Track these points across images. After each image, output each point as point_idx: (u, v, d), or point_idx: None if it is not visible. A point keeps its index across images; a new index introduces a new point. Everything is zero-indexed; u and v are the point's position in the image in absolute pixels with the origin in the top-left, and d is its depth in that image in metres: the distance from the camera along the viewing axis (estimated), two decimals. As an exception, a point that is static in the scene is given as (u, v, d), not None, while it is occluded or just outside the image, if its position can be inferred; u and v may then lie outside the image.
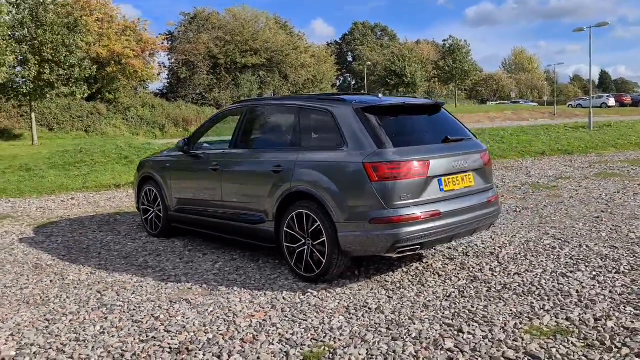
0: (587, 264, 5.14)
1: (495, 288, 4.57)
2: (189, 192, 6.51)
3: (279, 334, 3.74)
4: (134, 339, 3.75)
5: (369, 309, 4.19)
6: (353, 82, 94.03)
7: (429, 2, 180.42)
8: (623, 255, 5.35)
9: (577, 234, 6.37)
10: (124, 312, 4.34)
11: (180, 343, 3.65)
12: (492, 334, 3.58)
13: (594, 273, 4.84)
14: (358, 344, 3.52)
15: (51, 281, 5.31)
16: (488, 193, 5.25)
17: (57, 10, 22.66)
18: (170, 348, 3.57)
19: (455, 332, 3.64)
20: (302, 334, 3.73)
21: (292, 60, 46.91)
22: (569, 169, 12.87)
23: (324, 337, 3.65)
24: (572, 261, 5.25)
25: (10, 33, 20.60)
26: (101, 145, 20.00)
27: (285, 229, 5.13)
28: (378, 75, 62.43)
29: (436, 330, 3.68)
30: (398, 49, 65.14)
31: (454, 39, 65.23)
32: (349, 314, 4.10)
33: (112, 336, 3.82)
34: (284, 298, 4.53)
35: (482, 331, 3.64)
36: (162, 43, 38.51)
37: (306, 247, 4.94)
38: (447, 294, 4.48)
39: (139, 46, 33.07)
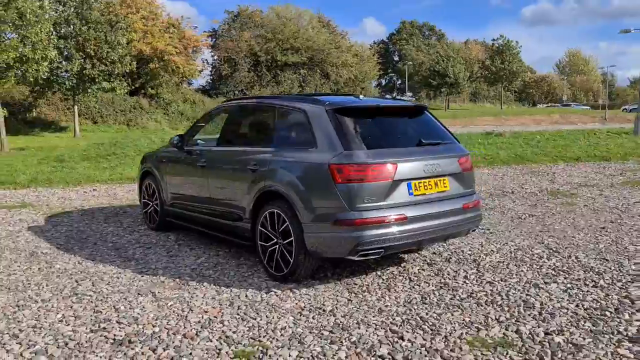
0: (567, 275, 4.95)
1: (460, 296, 4.47)
2: (181, 188, 6.66)
3: (222, 331, 3.78)
4: (86, 329, 3.87)
5: (323, 310, 4.18)
6: (399, 82, 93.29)
7: (485, 1, 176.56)
8: (609, 269, 5.12)
9: (573, 244, 6.13)
10: (90, 302, 4.48)
11: (125, 335, 3.74)
12: (432, 343, 3.51)
13: (569, 285, 4.66)
14: (294, 345, 3.52)
15: (39, 269, 5.53)
16: (465, 199, 5.12)
17: (100, 8, 23.49)
18: (114, 339, 3.67)
19: (396, 339, 3.58)
20: (244, 332, 3.76)
21: (333, 59, 46.99)
22: (598, 176, 12.36)
23: (263, 337, 3.66)
24: (553, 272, 5.06)
25: (53, 30, 21.49)
26: (136, 139, 20.61)
27: (259, 227, 5.17)
28: (421, 75, 61.73)
29: (378, 336, 3.64)
30: (443, 49, 64.11)
31: (504, 38, 63.71)
32: (301, 314, 4.10)
33: (68, 325, 3.96)
34: (246, 296, 4.57)
35: (424, 339, 3.57)
36: (205, 40, 39.25)
37: (277, 246, 4.97)
38: (409, 300, 4.41)
39: (181, 43, 33.91)
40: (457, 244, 6.19)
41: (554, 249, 5.89)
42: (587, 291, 4.50)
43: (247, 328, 3.83)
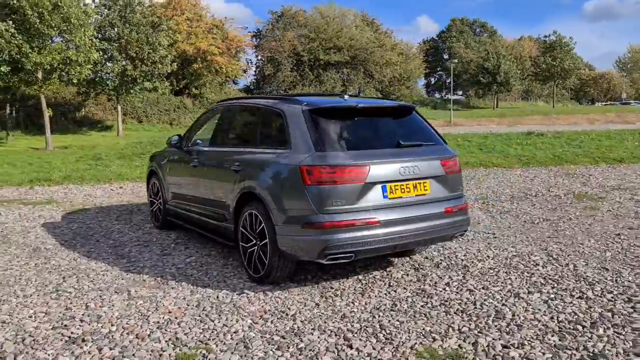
0: (555, 285, 4.67)
1: (432, 303, 4.30)
2: (179, 187, 6.73)
3: (175, 332, 3.78)
4: (49, 325, 3.95)
5: (286, 314, 4.11)
6: (448, 81, 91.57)
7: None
8: (605, 279, 4.80)
9: (577, 251, 5.79)
10: (68, 299, 4.58)
11: (82, 333, 3.80)
12: (380, 352, 3.38)
13: (553, 296, 4.39)
14: (239, 349, 3.47)
15: (35, 265, 5.72)
16: (449, 202, 4.92)
17: (142, 11, 24.19)
18: (69, 337, 3.73)
19: (344, 347, 3.47)
20: (196, 334, 3.74)
21: (377, 58, 46.60)
22: (638, 179, 11.69)
23: (212, 340, 3.63)
24: (542, 281, 4.79)
25: (98, 32, 22.33)
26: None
27: (241, 228, 5.15)
28: (470, 73, 60.31)
29: (328, 343, 3.54)
30: (493, 46, 62.40)
31: (557, 34, 61.37)
32: (261, 318, 4.04)
33: (35, 321, 4.05)
34: (217, 297, 4.55)
35: (373, 348, 3.45)
36: (249, 40, 39.79)
37: (256, 247, 4.94)
38: (378, 306, 4.27)
39: (224, 44, 34.47)
40: (453, 249, 5.98)
41: (554, 257, 5.58)
42: (570, 302, 4.23)
43: (201, 330, 3.81)
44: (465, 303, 4.29)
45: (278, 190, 4.61)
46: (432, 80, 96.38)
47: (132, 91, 24.55)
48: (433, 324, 3.85)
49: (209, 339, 3.65)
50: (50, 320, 4.06)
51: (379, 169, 4.50)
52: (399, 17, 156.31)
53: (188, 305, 4.36)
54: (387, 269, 5.32)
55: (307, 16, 47.28)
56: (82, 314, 4.17)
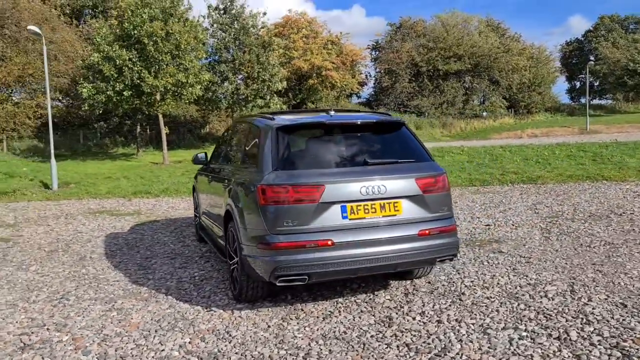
0: (542, 322, 4.05)
1: (385, 334, 3.96)
2: (202, 203, 6.99)
3: (109, 345, 3.92)
4: (17, 331, 4.32)
5: (228, 336, 4.06)
6: (597, 84, 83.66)
7: None
8: (610, 319, 4.05)
9: (610, 283, 4.97)
10: (63, 306, 4.96)
11: (37, 341, 4.09)
12: (274, 385, 3.19)
13: (526, 334, 3.81)
14: (148, 368, 3.50)
15: (68, 272, 6.27)
16: (425, 224, 4.50)
17: (256, 33, 25.58)
18: (24, 344, 4.04)
19: (246, 375, 3.34)
20: (125, 350, 3.84)
21: (502, 64, 44.10)
22: None
23: (134, 357, 3.71)
24: (532, 316, 4.18)
25: (215, 55, 24.05)
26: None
27: (227, 245, 5.21)
28: (615, 75, 54.48)
29: (236, 370, 3.43)
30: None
31: None
32: (202, 337, 4.04)
33: (14, 326, 4.46)
34: (184, 314, 4.63)
35: (272, 379, 3.26)
36: (366, 54, 40.04)
37: (236, 265, 4.96)
38: (327, 333, 4.05)
39: (339, 58, 35.08)
40: (466, 273, 5.47)
41: (574, 288, 4.84)
42: (540, 344, 3.63)
43: (134, 346, 3.91)
44: (420, 336, 3.89)
45: (243, 209, 4.60)
46: (577, 84, 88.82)
47: (244, 109, 26.03)
48: (362, 357, 3.55)
49: (130, 355, 3.73)
50: (27, 326, 4.44)
51: (337, 189, 4.28)
52: (547, 17, 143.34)
53: (151, 319, 4.49)
54: (376, 292, 5.02)
55: (426, 26, 46.37)
56: (56, 322, 4.49)
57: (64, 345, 3.97)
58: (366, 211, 4.33)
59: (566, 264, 5.72)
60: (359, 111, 6.07)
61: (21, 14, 24.50)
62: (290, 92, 34.20)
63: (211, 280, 5.70)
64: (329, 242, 4.18)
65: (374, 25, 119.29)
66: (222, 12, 25.98)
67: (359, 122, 4.82)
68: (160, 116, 22.24)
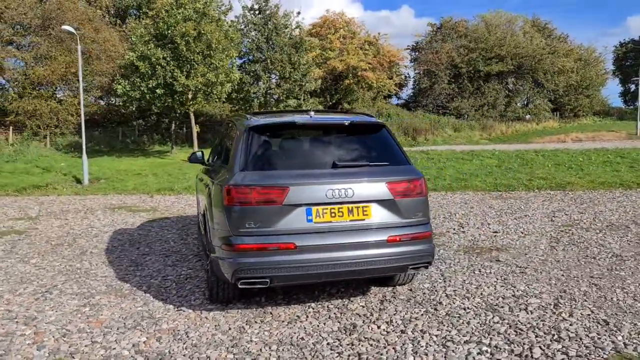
0: (510, 336, 3.83)
1: (341, 342, 3.84)
2: (198, 203, 7.01)
3: (65, 341, 3.95)
4: (-9, 322, 4.42)
5: (186, 337, 4.03)
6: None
7: None
8: (583, 336, 3.79)
9: (601, 298, 4.68)
10: (44, 300, 5.06)
11: (0, 334, 4.17)
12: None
13: (486, 349, 3.60)
14: (92, 366, 3.50)
15: (64, 267, 6.41)
16: (397, 230, 4.34)
17: (289, 32, 25.66)
18: (-11, 334, 4.12)
19: (183, 378, 3.29)
20: (80, 346, 3.86)
21: (547, 66, 42.63)
22: None
23: (85, 353, 3.72)
24: (503, 329, 3.96)
25: (249, 55, 24.26)
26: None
27: (204, 245, 5.19)
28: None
29: (176, 372, 3.39)
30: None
31: None
32: (159, 337, 4.02)
33: (-11, 317, 4.57)
34: (155, 311, 4.63)
35: (207, 384, 3.20)
36: (404, 54, 39.55)
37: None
38: (282, 339, 3.96)
39: (376, 59, 34.77)
40: (452, 281, 5.26)
41: (560, 302, 4.57)
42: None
43: (89, 343, 3.92)
44: (377, 346, 3.75)
45: (213, 209, 4.57)
46: (632, 87, 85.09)
47: (275, 108, 26.17)
48: (305, 366, 3.44)
49: (81, 352, 3.75)
50: (0, 318, 4.54)
51: (302, 191, 4.18)
52: (604, 19, 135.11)
53: (119, 316, 4.51)
54: (353, 298, 4.89)
55: (468, 26, 45.38)
56: (27, 316, 4.57)
57: (24, 339, 4.03)
58: (332, 215, 4.21)
59: (562, 275, 5.43)
60: (347, 112, 5.94)
61: (65, 14, 25.43)
62: (327, 93, 34.13)
63: (195, 279, 5.69)
64: (292, 245, 4.08)
65: (423, 25, 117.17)
66: (256, 12, 26.24)
67: (331, 124, 4.70)
68: (192, 114, 22.66)
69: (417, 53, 45.97)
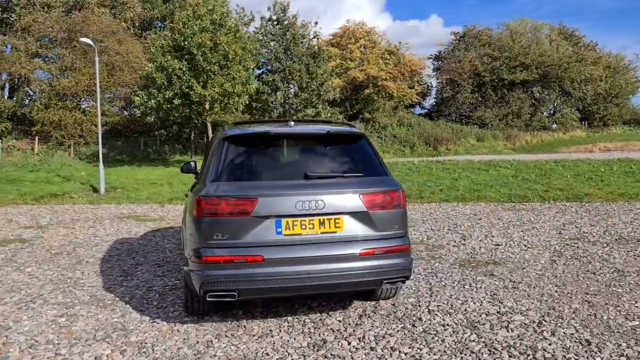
0: (481, 355, 3.65)
1: (305, 359, 3.72)
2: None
3: (30, 352, 3.93)
4: (-34, 331, 4.44)
5: (152, 350, 3.97)
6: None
7: None
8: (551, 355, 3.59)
9: (591, 316, 4.44)
10: (25, 310, 5.07)
11: (-27, 342, 4.18)
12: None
13: (452, 371, 3.44)
14: (48, 379, 3.46)
15: (56, 276, 6.44)
16: (371, 243, 4.21)
17: (307, 43, 25.74)
18: (-41, 344, 4.13)
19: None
20: (42, 358, 3.83)
21: (574, 74, 41.70)
22: None
23: (43, 365, 3.69)
24: (476, 348, 3.79)
25: (268, 65, 24.41)
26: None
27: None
28: None
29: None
30: None
31: None
32: (123, 351, 3.96)
33: (-33, 325, 4.59)
34: (128, 323, 4.59)
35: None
36: (426, 64, 39.22)
37: (188, 277, 4.87)
38: (246, 354, 3.86)
39: (397, 68, 34.58)
40: (438, 296, 5.08)
41: (545, 320, 4.36)
42: (460, 383, 3.26)
43: (52, 355, 3.89)
44: (339, 364, 3.61)
45: (187, 221, 4.53)
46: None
47: (295, 117, 26.28)
48: (260, 384, 3.33)
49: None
50: (-24, 327, 4.55)
51: (271, 202, 4.09)
52: (637, 27, 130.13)
53: (92, 328, 4.48)
54: (331, 312, 4.76)
55: (492, 34, 44.78)
56: (2, 325, 4.58)
57: (-9, 349, 4.03)
58: (303, 227, 4.11)
59: (556, 291, 5.20)
60: (330, 122, 5.84)
61: (90, 27, 26.04)
62: (347, 103, 34.08)
63: (179, 290, 5.63)
64: (260, 258, 3.99)
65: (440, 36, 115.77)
66: (274, 23, 26.44)
67: (306, 133, 4.62)
68: (209, 124, 22.88)
69: (439, 62, 45.58)
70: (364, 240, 4.21)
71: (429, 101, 47.05)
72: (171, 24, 22.86)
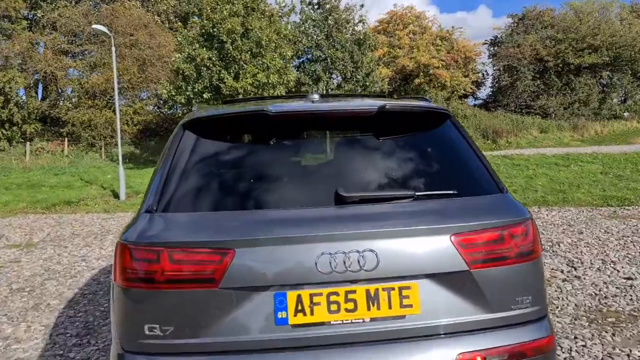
0: None
1: None
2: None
3: None
4: None
5: None
6: None
7: None
8: None
9: None
10: None
11: None
12: None
13: None
14: None
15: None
16: (476, 340, 1.89)
17: (352, 28, 23.42)
18: None
19: None
20: None
21: (649, 55, 37.49)
22: None
23: None
24: None
25: (309, 53, 22.26)
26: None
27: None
28: None
29: None
30: None
31: None
32: None
33: None
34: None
35: None
36: (481, 49, 36.05)
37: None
38: None
39: (449, 55, 31.71)
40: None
41: None
42: None
43: None
44: None
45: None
46: None
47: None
48: None
49: None
50: None
51: (264, 256, 1.87)
52: None
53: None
54: None
55: (555, 15, 40.87)
56: None
57: None
58: (332, 308, 1.83)
59: None
60: (382, 96, 3.43)
61: (119, 19, 24.57)
62: (395, 94, 31.52)
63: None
64: None
65: (501, 25, 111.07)
66: (315, 6, 24.14)
67: (341, 112, 2.34)
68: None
69: (496, 48, 42.04)
70: (464, 333, 1.88)
71: (484, 91, 43.64)
72: (198, 11, 21.03)
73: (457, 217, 1.98)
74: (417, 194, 2.05)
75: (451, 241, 1.93)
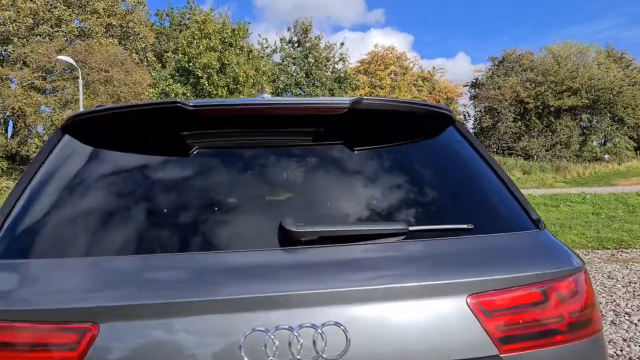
0: None
1: None
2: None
3: None
4: None
5: None
6: None
7: None
8: None
9: None
10: None
11: None
12: None
13: None
14: None
15: None
16: None
17: (332, 66, 23.16)
18: None
19: None
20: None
21: (627, 99, 37.91)
22: None
23: None
24: None
25: (288, 90, 21.85)
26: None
27: None
28: None
29: None
30: None
31: None
32: None
33: None
34: None
35: None
36: (462, 90, 36.19)
37: None
38: None
39: (431, 95, 31.66)
40: None
41: None
42: None
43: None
44: None
45: None
46: None
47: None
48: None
49: None
50: None
51: (144, 336, 0.97)
52: None
53: None
54: None
55: (534, 58, 41.42)
56: None
57: None
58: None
59: None
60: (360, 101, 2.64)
61: (93, 55, 23.99)
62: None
63: None
64: None
65: (478, 72, 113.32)
66: (295, 44, 23.84)
67: (293, 110, 1.56)
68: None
69: (477, 90, 42.29)
70: None
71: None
72: (174, 46, 20.57)
73: (475, 265, 1.16)
74: (411, 228, 1.24)
75: (468, 305, 1.09)
